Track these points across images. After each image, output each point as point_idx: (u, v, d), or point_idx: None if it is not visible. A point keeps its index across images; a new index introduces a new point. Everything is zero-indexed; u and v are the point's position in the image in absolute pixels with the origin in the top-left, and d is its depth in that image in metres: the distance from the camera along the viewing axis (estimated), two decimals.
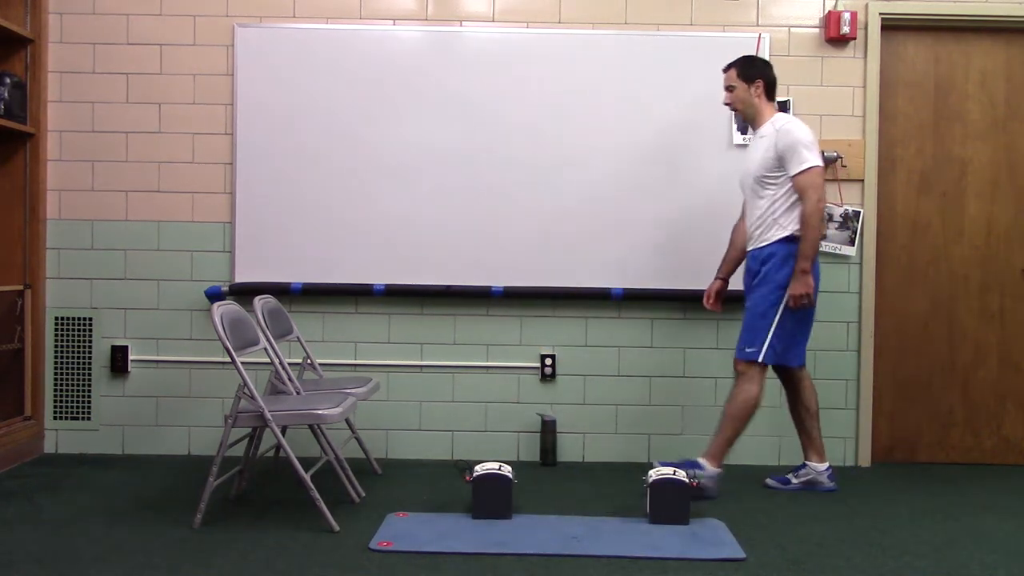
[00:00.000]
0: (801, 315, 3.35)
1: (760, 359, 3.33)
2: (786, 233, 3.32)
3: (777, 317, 3.32)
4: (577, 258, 3.89)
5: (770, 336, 3.32)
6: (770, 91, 3.43)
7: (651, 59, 3.88)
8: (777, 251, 3.33)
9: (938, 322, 4.02)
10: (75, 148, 3.93)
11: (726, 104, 3.46)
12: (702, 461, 3.35)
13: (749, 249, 3.47)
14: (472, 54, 3.89)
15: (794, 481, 3.54)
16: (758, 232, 3.40)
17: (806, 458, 3.56)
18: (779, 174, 3.31)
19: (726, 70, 3.45)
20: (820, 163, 3.29)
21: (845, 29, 3.85)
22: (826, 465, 3.54)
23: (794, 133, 3.29)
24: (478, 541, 2.83)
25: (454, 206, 3.88)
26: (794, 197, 3.30)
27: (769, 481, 3.57)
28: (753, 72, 3.41)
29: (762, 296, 3.35)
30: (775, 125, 3.35)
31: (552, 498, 3.36)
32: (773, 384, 3.92)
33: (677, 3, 3.91)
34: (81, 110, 3.93)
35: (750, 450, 3.92)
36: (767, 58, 3.86)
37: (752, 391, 3.34)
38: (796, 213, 3.31)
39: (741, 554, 2.74)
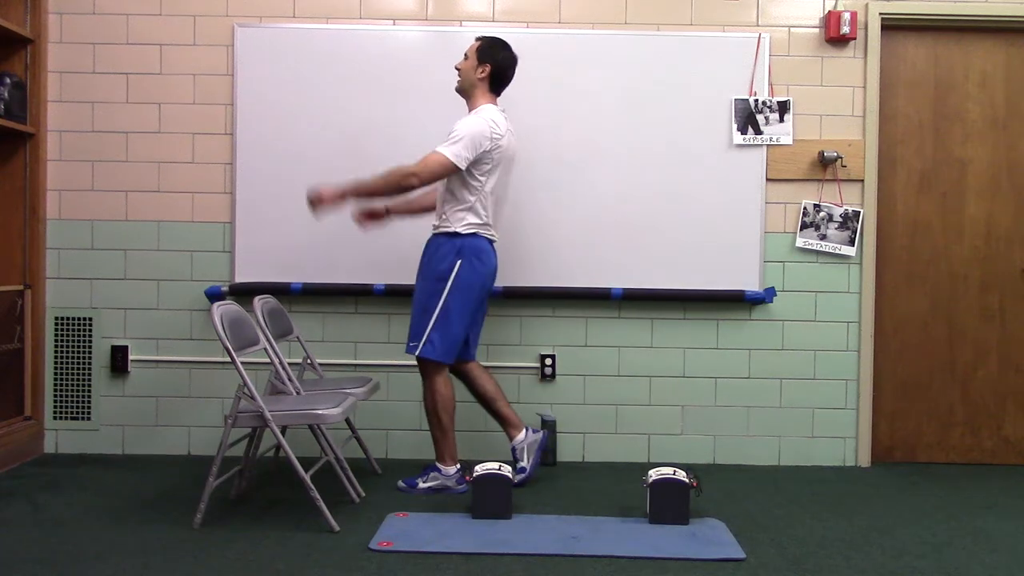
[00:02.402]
0: (462, 309, 3.32)
1: (418, 353, 3.32)
2: (452, 228, 3.32)
3: (437, 311, 3.30)
4: (577, 258, 3.88)
5: (428, 330, 3.31)
6: (495, 82, 3.38)
7: (651, 59, 3.88)
8: (443, 244, 3.33)
9: (938, 322, 4.02)
10: (75, 148, 3.93)
11: (456, 68, 3.42)
12: (439, 465, 3.39)
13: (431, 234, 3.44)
14: None
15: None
16: (435, 220, 3.41)
17: (510, 437, 3.49)
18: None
19: (476, 40, 3.42)
20: (454, 160, 3.20)
21: (845, 29, 3.84)
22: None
23: (467, 121, 3.28)
24: (478, 541, 2.83)
25: None
26: (464, 196, 3.30)
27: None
28: (487, 56, 3.36)
29: (422, 289, 3.36)
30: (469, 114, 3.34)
31: (552, 498, 3.36)
32: (773, 385, 3.93)
33: (677, 3, 3.91)
34: (81, 110, 3.93)
35: (750, 450, 3.93)
36: (767, 58, 3.88)
37: (434, 386, 3.35)
38: (464, 210, 3.31)
39: (741, 554, 2.75)
